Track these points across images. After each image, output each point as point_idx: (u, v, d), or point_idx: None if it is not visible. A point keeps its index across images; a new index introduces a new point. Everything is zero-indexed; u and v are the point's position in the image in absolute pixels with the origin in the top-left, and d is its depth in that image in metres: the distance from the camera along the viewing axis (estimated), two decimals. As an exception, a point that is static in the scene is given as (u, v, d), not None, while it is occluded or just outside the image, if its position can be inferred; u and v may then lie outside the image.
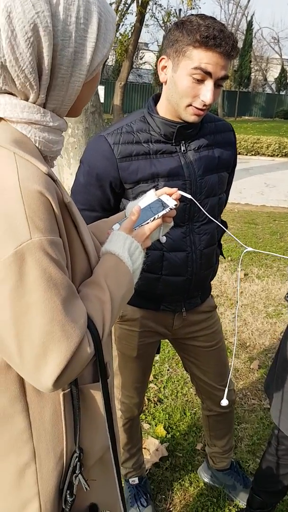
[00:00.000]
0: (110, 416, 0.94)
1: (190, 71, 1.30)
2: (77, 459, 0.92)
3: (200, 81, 1.31)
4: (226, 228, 1.77)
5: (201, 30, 1.27)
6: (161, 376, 2.94)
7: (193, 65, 1.29)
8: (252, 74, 33.40)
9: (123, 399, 1.82)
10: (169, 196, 1.10)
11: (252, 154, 13.12)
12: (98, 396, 0.95)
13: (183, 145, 1.47)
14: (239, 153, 12.96)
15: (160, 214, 1.05)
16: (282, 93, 33.36)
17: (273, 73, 37.02)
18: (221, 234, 1.71)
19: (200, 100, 1.33)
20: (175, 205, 1.07)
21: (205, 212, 1.19)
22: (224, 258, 1.89)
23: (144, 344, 1.69)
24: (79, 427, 0.92)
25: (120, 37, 17.43)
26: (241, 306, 3.89)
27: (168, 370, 3.00)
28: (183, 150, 1.47)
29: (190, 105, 1.35)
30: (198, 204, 1.20)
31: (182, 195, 1.12)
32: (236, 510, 1.98)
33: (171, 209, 1.07)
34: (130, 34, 17.36)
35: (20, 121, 0.83)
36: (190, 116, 1.38)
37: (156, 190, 1.14)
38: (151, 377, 2.91)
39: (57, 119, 0.87)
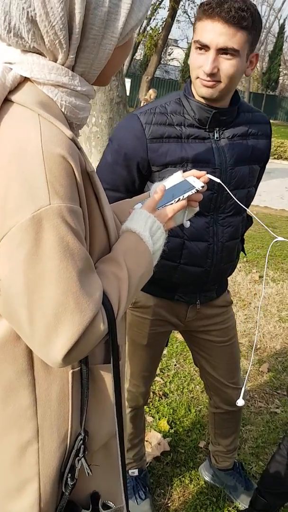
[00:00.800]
0: (120, 400, 0.90)
1: (194, 44, 1.31)
2: (81, 441, 0.88)
3: (202, 54, 1.30)
4: (251, 225, 1.72)
5: (205, 3, 1.26)
6: (167, 371, 2.89)
7: (195, 38, 1.30)
8: (280, 78, 33.12)
9: (130, 387, 1.79)
10: (196, 178, 1.05)
11: (275, 158, 12.99)
12: (108, 378, 0.91)
13: (216, 132, 1.43)
14: (262, 156, 12.83)
15: (186, 195, 1.01)
16: (310, 99, 32.96)
17: (302, 79, 36.59)
18: (245, 229, 1.66)
19: (202, 70, 1.30)
20: (202, 186, 1.03)
21: (234, 197, 1.16)
22: (245, 254, 1.84)
23: (155, 333, 1.66)
24: (86, 408, 0.88)
25: (151, 31, 17.35)
26: (254, 308, 3.83)
27: (175, 365, 2.96)
28: (217, 137, 1.43)
29: (198, 77, 1.33)
30: (228, 189, 1.16)
31: (210, 180, 1.08)
32: (237, 511, 1.93)
33: (197, 190, 1.02)
34: (160, 28, 17.27)
35: (47, 82, 0.79)
36: (199, 89, 1.35)
37: (183, 172, 1.10)
38: (158, 371, 2.87)
39: (85, 84, 0.83)
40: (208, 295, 1.62)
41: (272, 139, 13.22)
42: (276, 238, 1.07)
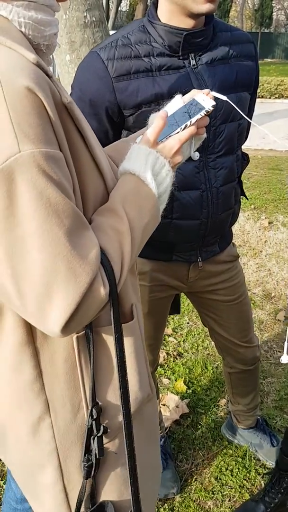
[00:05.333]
0: (124, 368, 0.77)
1: None
2: (90, 416, 0.78)
3: None
4: (248, 164, 1.53)
5: None
6: (180, 330, 2.79)
7: None
8: (274, 13, 31.57)
9: (136, 356, 1.67)
10: (205, 95, 0.88)
11: (276, 97, 12.44)
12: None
13: (192, 59, 1.22)
14: (262, 97, 12.30)
15: (194, 119, 0.85)
16: (307, 32, 31.45)
17: (297, 11, 34.83)
18: (241, 169, 1.47)
19: None
20: (213, 106, 0.86)
21: (237, 109, 0.98)
22: (247, 199, 1.64)
23: (156, 299, 1.50)
24: (92, 377, 0.77)
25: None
26: (266, 256, 3.67)
27: (188, 323, 2.84)
28: (193, 65, 1.22)
29: None
30: (232, 104, 0.96)
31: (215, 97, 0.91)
32: (263, 471, 1.84)
33: (207, 112, 0.86)
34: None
35: None
36: (202, 6, 1.11)
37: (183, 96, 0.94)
38: (170, 331, 2.77)
39: None
40: (210, 250, 1.45)
41: (271, 78, 12.64)
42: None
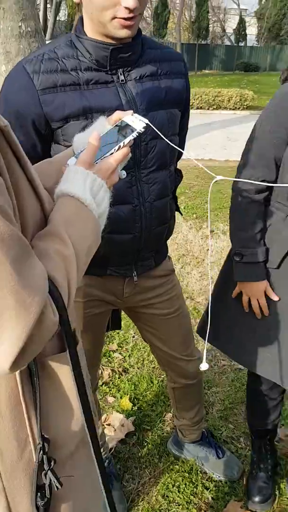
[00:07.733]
0: (84, 391, 0.75)
1: None
2: (40, 451, 0.74)
3: None
4: (181, 180, 1.54)
5: None
6: (126, 344, 2.76)
7: None
8: (210, 25, 32.51)
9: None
10: (133, 117, 0.90)
11: (214, 108, 12.78)
12: (65, 369, 0.77)
13: (121, 74, 1.21)
14: (200, 108, 12.60)
15: (127, 140, 0.87)
16: (241, 44, 32.60)
17: (231, 24, 36.11)
18: (176, 184, 1.48)
19: (123, 7, 1.07)
20: (144, 127, 0.88)
21: (158, 132, 0.98)
22: (181, 214, 1.64)
23: (91, 315, 1.46)
24: (38, 412, 0.74)
25: (70, -13, 16.42)
26: (208, 265, 3.72)
27: (133, 337, 2.82)
28: (122, 80, 1.21)
29: (114, 17, 1.09)
30: (154, 127, 0.96)
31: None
32: (210, 484, 1.84)
33: (138, 133, 0.87)
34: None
35: None
36: (119, 31, 1.12)
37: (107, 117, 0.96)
38: (116, 346, 2.73)
39: None
40: (145, 265, 1.44)
41: (209, 90, 12.98)
42: (216, 177, 0.96)
